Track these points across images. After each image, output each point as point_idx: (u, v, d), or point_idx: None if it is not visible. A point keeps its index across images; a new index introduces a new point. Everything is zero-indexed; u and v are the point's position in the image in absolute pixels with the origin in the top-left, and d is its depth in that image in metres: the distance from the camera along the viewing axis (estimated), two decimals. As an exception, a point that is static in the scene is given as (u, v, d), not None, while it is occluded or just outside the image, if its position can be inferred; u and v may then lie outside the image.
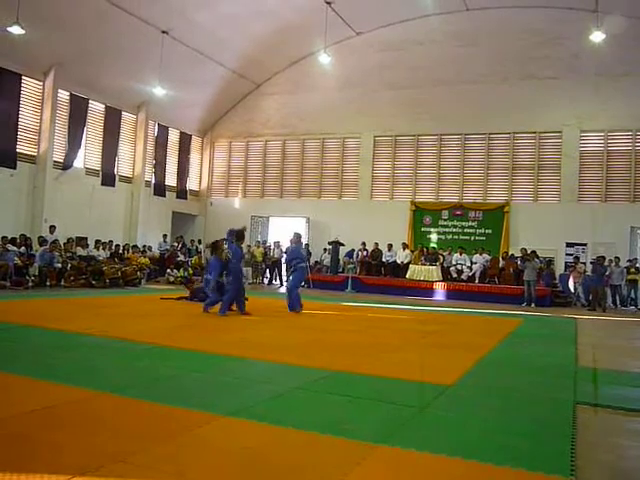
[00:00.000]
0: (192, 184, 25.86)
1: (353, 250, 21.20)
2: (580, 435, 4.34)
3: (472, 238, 20.99)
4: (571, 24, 19.05)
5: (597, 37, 17.51)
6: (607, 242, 18.77)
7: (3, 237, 15.75)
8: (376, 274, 20.58)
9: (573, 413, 4.95)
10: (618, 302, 17.86)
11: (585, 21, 18.20)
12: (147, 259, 19.44)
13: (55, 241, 16.80)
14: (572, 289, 18.18)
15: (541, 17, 19.58)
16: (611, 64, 18.97)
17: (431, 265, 19.24)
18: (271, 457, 3.58)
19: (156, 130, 23.62)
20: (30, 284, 15.02)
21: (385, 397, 5.21)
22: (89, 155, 20.73)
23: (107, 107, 21.15)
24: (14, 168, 17.97)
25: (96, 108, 20.81)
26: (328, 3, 19.31)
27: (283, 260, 20.42)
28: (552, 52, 19.87)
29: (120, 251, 19.34)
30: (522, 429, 4.45)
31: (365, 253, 21.12)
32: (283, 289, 20.30)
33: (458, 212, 21.27)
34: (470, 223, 21.13)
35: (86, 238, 18.87)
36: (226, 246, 11.47)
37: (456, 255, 19.93)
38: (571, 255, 19.32)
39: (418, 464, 3.62)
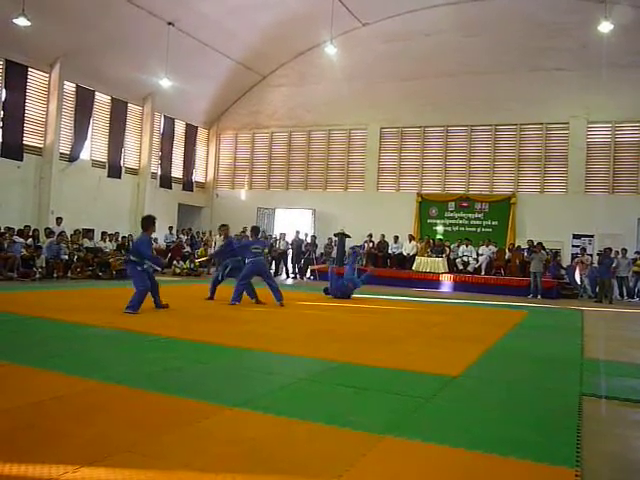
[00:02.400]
0: (198, 176, 25.88)
1: (361, 247, 20.82)
2: (586, 426, 4.34)
3: (478, 230, 20.95)
4: (579, 15, 18.89)
5: (605, 28, 17.31)
6: (614, 234, 18.69)
7: (10, 228, 15.82)
8: (382, 266, 20.56)
9: (579, 404, 4.94)
10: (625, 294, 17.81)
11: (593, 12, 18.03)
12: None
13: (62, 233, 16.86)
14: (578, 281, 18.13)
15: (548, 7, 19.44)
16: (619, 55, 18.80)
17: (437, 257, 19.20)
18: (277, 448, 3.60)
19: (162, 122, 23.62)
20: (37, 276, 15.09)
21: (391, 388, 5.22)
22: (95, 147, 20.76)
23: (113, 99, 21.16)
24: (21, 160, 18.03)
25: (102, 100, 20.83)
26: (334, -7, 19.22)
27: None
28: (559, 43, 19.72)
29: (127, 243, 19.36)
30: (527, 420, 4.45)
31: (371, 245, 21.09)
32: (290, 281, 20.37)
33: (464, 204, 21.22)
34: (476, 215, 21.08)
35: (93, 230, 18.93)
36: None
37: (462, 247, 19.89)
38: (578, 247, 19.26)
39: (423, 455, 3.63)
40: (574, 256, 19.19)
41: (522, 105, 20.43)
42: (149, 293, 9.73)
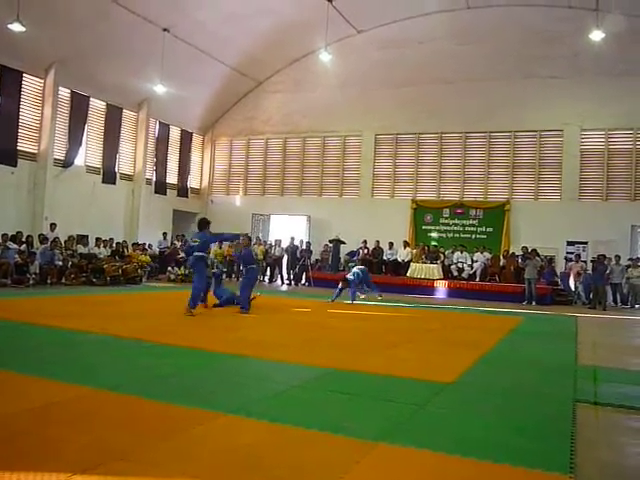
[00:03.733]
0: (193, 182, 25.85)
1: (357, 253, 20.92)
2: (580, 433, 4.35)
3: (473, 236, 20.98)
4: (571, 23, 19.00)
5: (597, 36, 17.46)
6: (608, 240, 18.74)
7: (4, 235, 15.74)
8: (377, 272, 20.55)
9: (573, 411, 4.95)
10: (619, 300, 17.86)
11: (585, 20, 18.15)
12: (148, 257, 19.43)
13: (56, 239, 16.80)
14: (572, 287, 18.19)
15: (542, 15, 19.55)
16: (612, 63, 18.93)
17: (432, 263, 19.24)
18: (271, 455, 3.59)
19: (157, 128, 23.60)
20: (31, 282, 15.02)
21: (385, 395, 5.22)
22: (90, 153, 20.72)
23: (108, 105, 21.13)
24: (15, 166, 17.97)
25: (97, 106, 20.80)
26: (329, 1, 19.28)
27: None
28: (553, 51, 19.83)
29: (121, 249, 19.31)
30: (522, 427, 4.46)
31: (366, 251, 21.09)
32: (285, 287, 20.36)
33: (459, 210, 21.25)
34: (471, 221, 21.11)
35: (87, 236, 18.87)
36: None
37: (457, 253, 19.91)
38: (572, 253, 19.29)
39: (417, 462, 3.63)
40: (568, 260, 19.20)
41: (516, 112, 20.52)
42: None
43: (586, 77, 19.46)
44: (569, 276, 18.26)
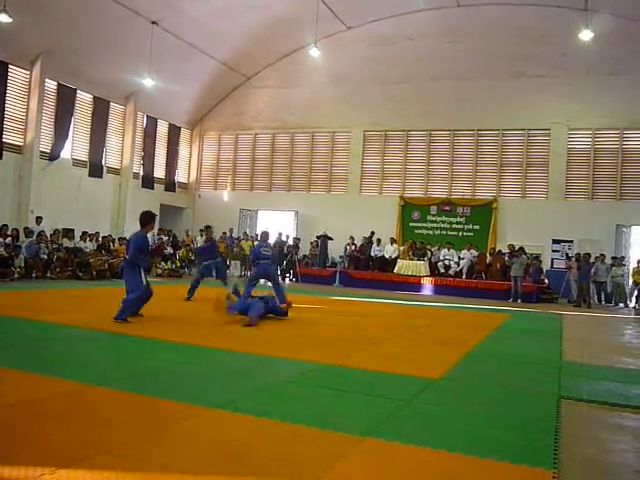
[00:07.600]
0: (181, 176, 25.72)
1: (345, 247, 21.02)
2: (564, 429, 4.39)
3: (460, 234, 21.07)
4: (560, 22, 19.12)
5: (586, 36, 17.60)
6: (593, 239, 18.90)
7: (-11, 227, 15.57)
8: (364, 268, 20.60)
9: (557, 407, 5.00)
10: (603, 299, 18.02)
11: (574, 19, 18.28)
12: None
13: (41, 232, 16.65)
14: (573, 286, 18.13)
15: (531, 15, 19.65)
16: (600, 63, 19.06)
17: (419, 260, 19.30)
18: (257, 449, 3.59)
19: (145, 121, 23.44)
20: (16, 275, 14.88)
21: (372, 390, 5.23)
22: (76, 146, 20.53)
23: (95, 97, 20.95)
24: (0, 158, 17.78)
25: (84, 98, 20.62)
26: (319, -4, 19.25)
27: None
28: (541, 50, 19.95)
29: (107, 243, 19.16)
30: (507, 423, 4.49)
31: (353, 247, 21.12)
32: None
33: (446, 208, 21.33)
34: (458, 219, 21.20)
35: (73, 229, 18.71)
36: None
37: (444, 250, 19.98)
38: (558, 252, 19.44)
39: (403, 457, 3.64)
40: (568, 259, 19.11)
41: (504, 111, 20.62)
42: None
43: (574, 77, 19.59)
44: (569, 275, 18.28)
